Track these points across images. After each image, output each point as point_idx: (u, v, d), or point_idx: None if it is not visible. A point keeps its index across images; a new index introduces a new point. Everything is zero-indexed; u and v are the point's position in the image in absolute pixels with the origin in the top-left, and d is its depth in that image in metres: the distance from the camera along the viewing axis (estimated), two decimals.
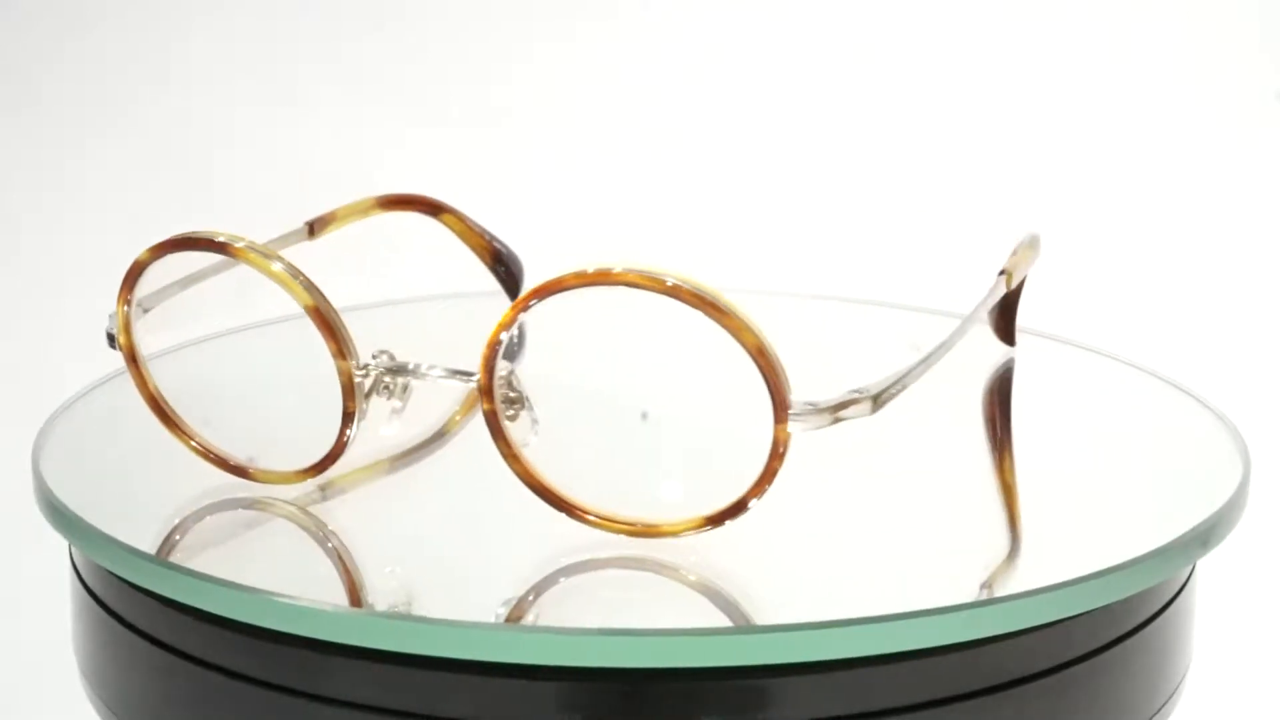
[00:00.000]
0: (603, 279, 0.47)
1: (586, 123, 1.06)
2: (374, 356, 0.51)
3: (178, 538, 0.51)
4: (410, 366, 0.51)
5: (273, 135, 1.05)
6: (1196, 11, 1.01)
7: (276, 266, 0.51)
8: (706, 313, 0.46)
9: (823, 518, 0.53)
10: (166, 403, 0.54)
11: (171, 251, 0.53)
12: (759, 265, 1.01)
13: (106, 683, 0.51)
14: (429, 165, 1.05)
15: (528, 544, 0.51)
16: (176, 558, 0.48)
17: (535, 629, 0.44)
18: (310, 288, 0.51)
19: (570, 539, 0.49)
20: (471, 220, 0.71)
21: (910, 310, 0.69)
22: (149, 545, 0.48)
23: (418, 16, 1.06)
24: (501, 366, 0.49)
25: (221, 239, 0.52)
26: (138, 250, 0.53)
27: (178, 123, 1.06)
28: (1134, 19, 1.02)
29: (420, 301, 0.74)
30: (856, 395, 0.48)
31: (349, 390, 0.50)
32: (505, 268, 0.72)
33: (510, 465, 0.49)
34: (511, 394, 0.50)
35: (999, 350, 0.65)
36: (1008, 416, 0.62)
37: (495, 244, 0.71)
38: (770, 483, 0.47)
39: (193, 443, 0.53)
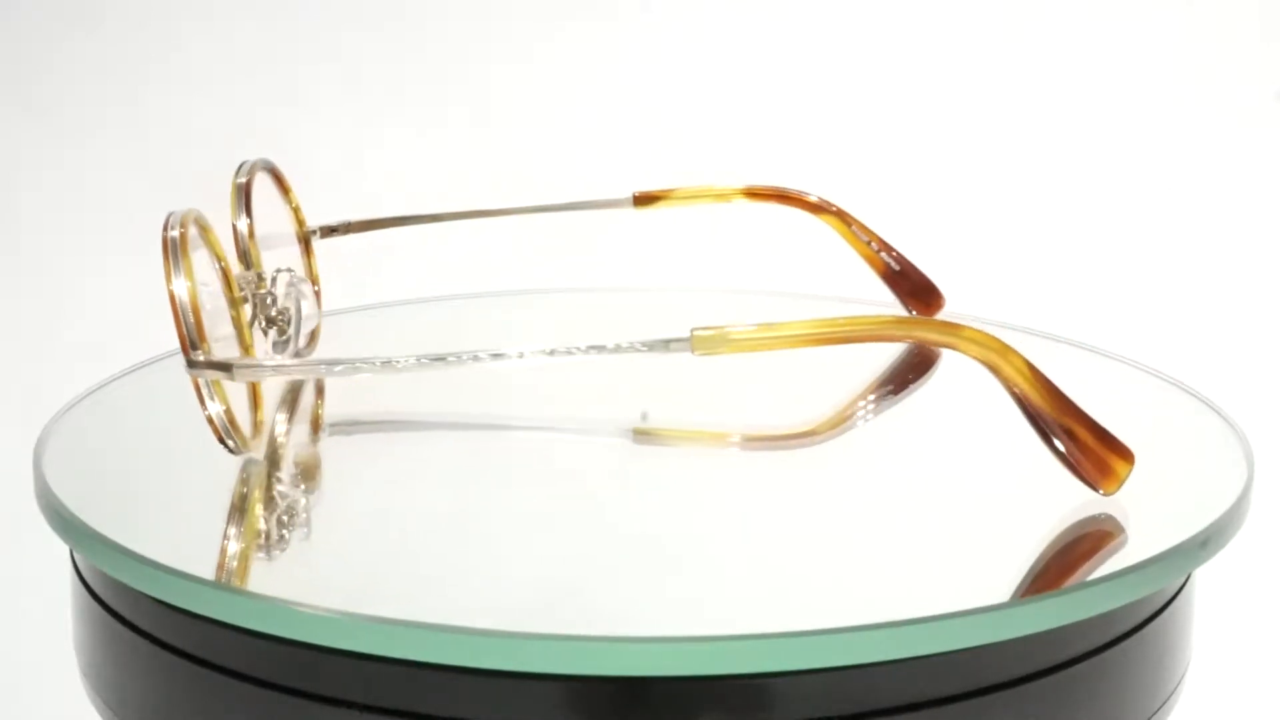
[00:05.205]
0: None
1: (585, 124, 1.06)
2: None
3: (179, 541, 0.51)
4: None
5: (274, 135, 1.05)
6: (1196, 11, 1.01)
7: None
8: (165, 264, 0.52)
9: (822, 522, 0.53)
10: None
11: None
12: (758, 266, 1.01)
13: (106, 683, 0.51)
14: (429, 166, 1.05)
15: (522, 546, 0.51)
16: (178, 562, 0.48)
17: (537, 635, 0.44)
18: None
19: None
20: (860, 226, 0.67)
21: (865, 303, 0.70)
22: (150, 548, 0.48)
23: (417, 16, 1.06)
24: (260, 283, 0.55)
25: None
26: (138, 251, 0.54)
27: (178, 122, 1.06)
28: (1134, 19, 1.02)
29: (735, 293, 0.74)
30: (232, 362, 0.52)
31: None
32: (898, 279, 0.67)
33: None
34: (274, 312, 0.56)
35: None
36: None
37: (884, 255, 0.67)
38: (215, 430, 0.52)
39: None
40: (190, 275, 0.52)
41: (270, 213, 0.62)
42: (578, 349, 0.50)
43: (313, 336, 0.64)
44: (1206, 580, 0.56)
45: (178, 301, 0.52)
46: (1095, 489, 0.51)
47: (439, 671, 0.44)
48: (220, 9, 1.07)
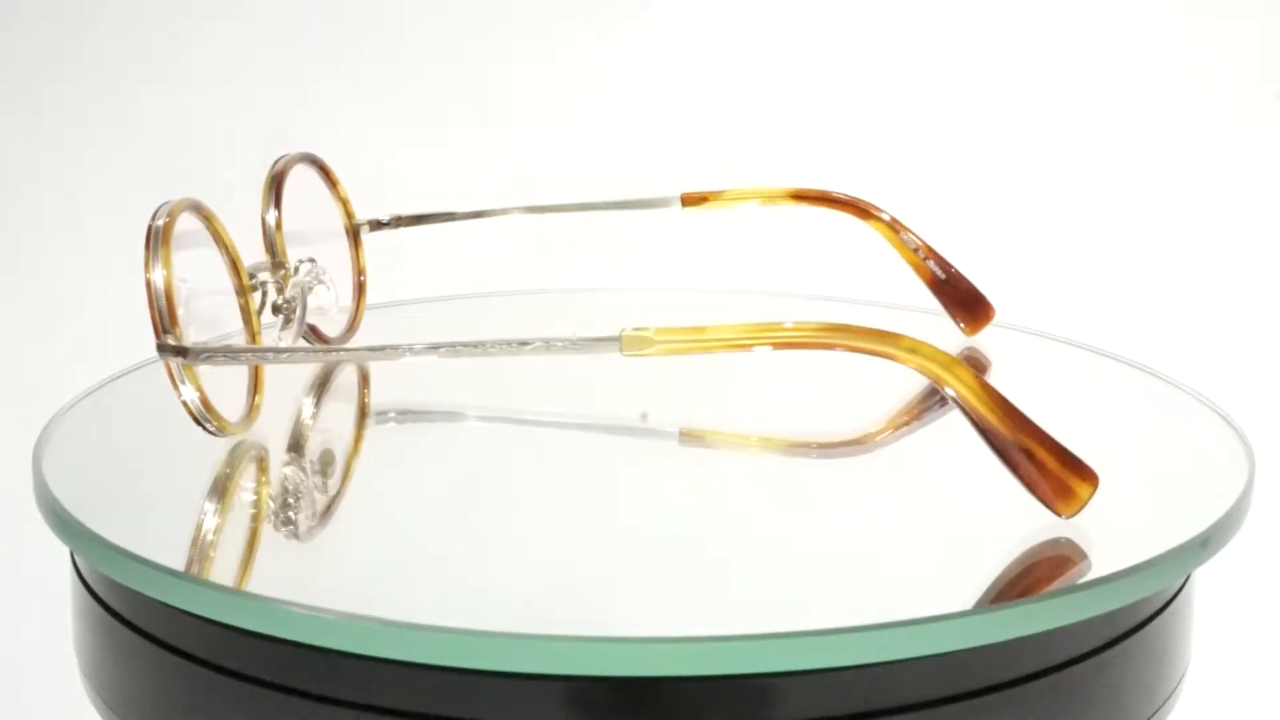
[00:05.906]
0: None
1: (585, 123, 1.06)
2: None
3: (179, 541, 0.51)
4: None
5: (274, 136, 1.05)
6: (1196, 11, 1.01)
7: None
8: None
9: (828, 525, 0.53)
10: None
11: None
12: (761, 264, 1.01)
13: (106, 683, 0.51)
14: (427, 166, 1.05)
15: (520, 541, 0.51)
16: (177, 563, 0.49)
17: (537, 635, 0.44)
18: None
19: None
20: (909, 232, 0.66)
21: (919, 312, 0.70)
22: (150, 549, 0.48)
23: (418, 16, 1.06)
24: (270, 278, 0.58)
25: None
26: (137, 251, 0.54)
27: (177, 122, 1.06)
28: (1133, 18, 1.02)
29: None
30: (188, 347, 0.53)
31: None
32: (945, 288, 0.66)
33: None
34: (280, 300, 0.58)
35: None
36: None
37: (931, 264, 0.66)
38: (189, 414, 0.54)
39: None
40: (168, 264, 0.53)
41: (323, 206, 0.63)
42: (508, 345, 0.50)
43: (351, 326, 0.64)
44: (1206, 580, 0.56)
45: (152, 288, 0.53)
46: (1053, 510, 0.49)
47: (439, 671, 0.44)
48: (232, 8, 1.07)
